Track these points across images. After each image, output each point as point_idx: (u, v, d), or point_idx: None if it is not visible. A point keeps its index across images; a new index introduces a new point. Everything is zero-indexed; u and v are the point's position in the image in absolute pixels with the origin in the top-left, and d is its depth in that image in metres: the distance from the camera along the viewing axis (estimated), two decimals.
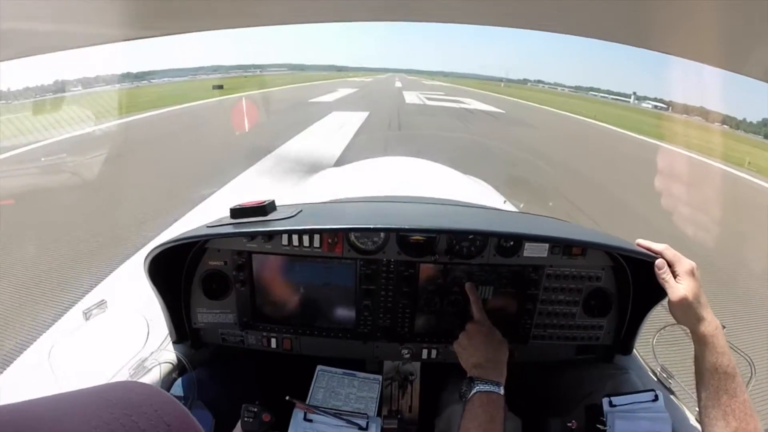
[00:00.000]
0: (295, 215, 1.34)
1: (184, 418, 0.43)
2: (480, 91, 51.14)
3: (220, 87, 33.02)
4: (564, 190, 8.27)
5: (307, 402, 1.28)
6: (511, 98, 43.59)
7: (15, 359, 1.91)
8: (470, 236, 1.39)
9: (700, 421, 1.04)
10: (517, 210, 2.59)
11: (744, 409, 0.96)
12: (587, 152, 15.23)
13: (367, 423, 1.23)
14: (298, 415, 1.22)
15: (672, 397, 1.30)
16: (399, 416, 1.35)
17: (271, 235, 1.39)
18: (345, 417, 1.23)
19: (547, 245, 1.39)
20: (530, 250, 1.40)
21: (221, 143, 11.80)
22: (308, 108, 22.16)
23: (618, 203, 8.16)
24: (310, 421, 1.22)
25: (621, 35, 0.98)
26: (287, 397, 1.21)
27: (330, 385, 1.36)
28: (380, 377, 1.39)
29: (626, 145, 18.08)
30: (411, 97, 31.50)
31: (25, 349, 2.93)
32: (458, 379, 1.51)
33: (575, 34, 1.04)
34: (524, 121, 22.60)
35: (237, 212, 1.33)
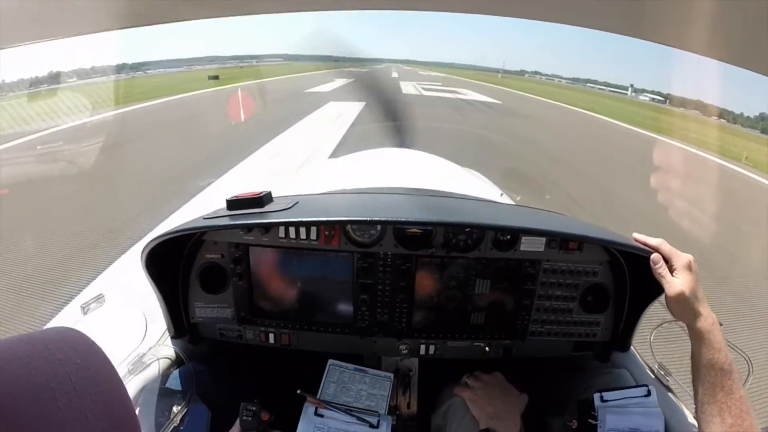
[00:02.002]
0: (292, 207, 1.33)
1: (103, 362, 0.48)
2: (477, 82, 50.71)
3: (216, 77, 32.70)
4: (561, 182, 8.27)
5: (318, 396, 1.26)
6: (508, 89, 43.34)
7: None
8: (467, 229, 1.39)
9: (696, 418, 1.04)
10: (513, 203, 2.58)
11: (740, 406, 0.97)
12: (584, 144, 15.21)
13: (378, 421, 1.21)
14: (308, 409, 1.21)
15: (669, 394, 1.29)
16: (397, 412, 1.34)
17: (267, 228, 1.37)
18: (356, 414, 1.21)
19: (543, 239, 1.39)
20: (527, 244, 1.40)
21: (216, 134, 11.71)
22: (305, 98, 21.98)
23: (615, 196, 8.17)
24: (321, 416, 1.20)
25: (619, 26, 0.96)
26: (299, 391, 1.20)
27: (341, 380, 1.34)
28: (391, 375, 1.37)
29: (623, 138, 18.05)
30: (408, 88, 31.23)
31: None
32: (456, 374, 1.51)
33: (572, 24, 1.03)
34: (521, 113, 22.49)
35: (233, 204, 1.32)
